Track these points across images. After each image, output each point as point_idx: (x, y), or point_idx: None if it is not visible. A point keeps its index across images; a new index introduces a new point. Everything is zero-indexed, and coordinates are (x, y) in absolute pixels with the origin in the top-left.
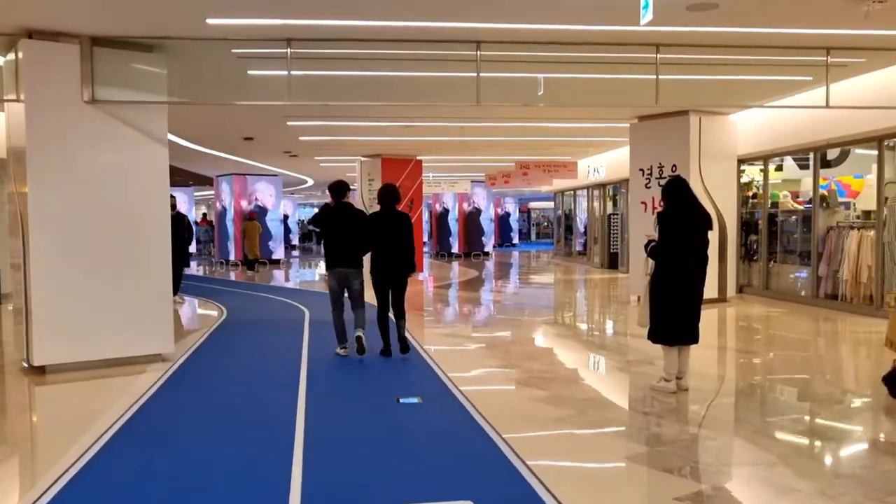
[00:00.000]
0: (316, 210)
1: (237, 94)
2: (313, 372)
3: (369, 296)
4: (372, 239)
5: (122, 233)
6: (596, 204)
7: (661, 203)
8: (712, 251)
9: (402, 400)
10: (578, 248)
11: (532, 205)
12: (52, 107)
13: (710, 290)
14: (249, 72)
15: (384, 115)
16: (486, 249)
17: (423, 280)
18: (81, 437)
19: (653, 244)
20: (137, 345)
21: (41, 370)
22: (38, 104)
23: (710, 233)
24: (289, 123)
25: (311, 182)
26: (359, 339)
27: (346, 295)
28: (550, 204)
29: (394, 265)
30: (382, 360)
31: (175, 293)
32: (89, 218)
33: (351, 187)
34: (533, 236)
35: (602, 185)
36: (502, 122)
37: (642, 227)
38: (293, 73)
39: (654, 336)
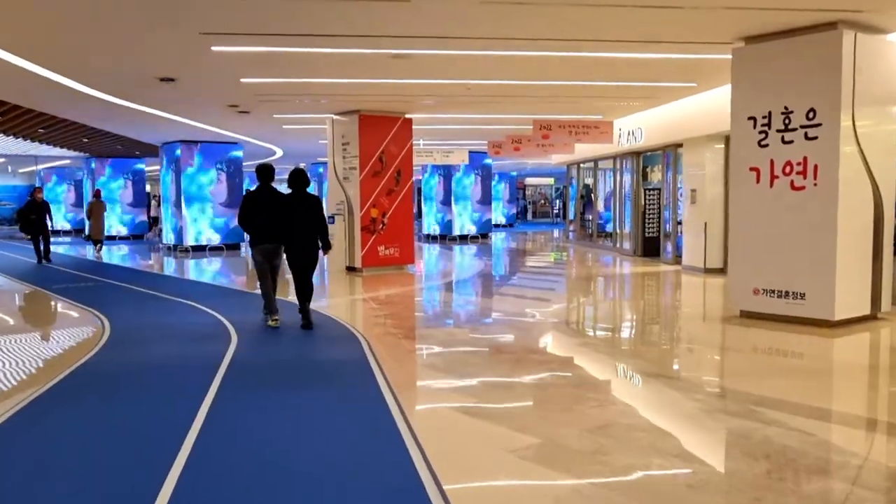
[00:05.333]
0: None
1: None
2: None
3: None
4: (285, 220)
5: None
6: (627, 177)
7: None
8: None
9: None
10: (599, 230)
11: (527, 181)
12: None
13: (859, 303)
14: None
15: (355, 30)
16: (483, 232)
17: (414, 274)
18: None
19: None
20: None
21: None
22: None
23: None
24: (214, 48)
25: (280, 153)
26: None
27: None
28: (547, 180)
29: (304, 245)
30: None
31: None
32: None
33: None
34: (529, 215)
35: (636, 154)
36: (532, 50)
37: (753, 204)
38: None
39: None
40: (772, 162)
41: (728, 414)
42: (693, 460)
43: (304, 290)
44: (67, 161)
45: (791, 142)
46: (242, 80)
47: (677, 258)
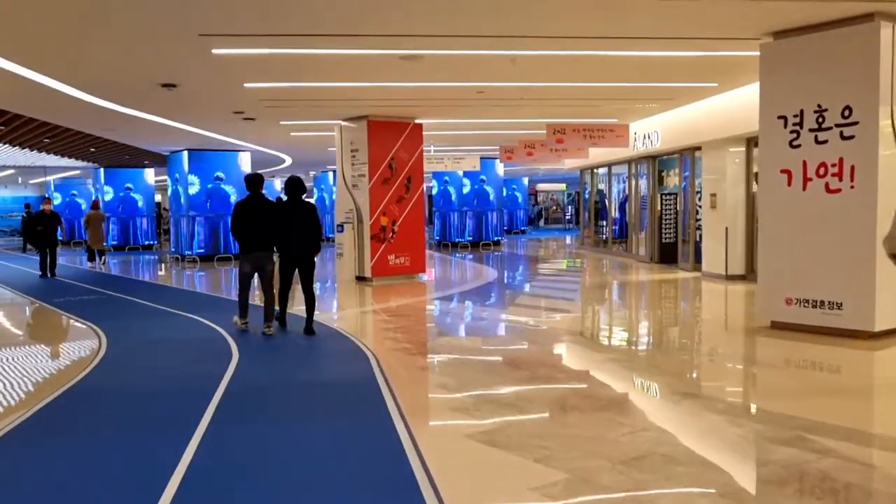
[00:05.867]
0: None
1: None
2: None
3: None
4: (281, 227)
5: None
6: (643, 182)
7: None
8: None
9: None
10: (614, 235)
11: (539, 186)
12: None
13: None
14: None
15: (355, 27)
16: (495, 238)
17: (425, 284)
18: None
19: None
20: None
21: None
22: None
23: None
24: (214, 51)
25: (289, 161)
26: (266, 332)
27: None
28: (559, 186)
29: (302, 250)
30: None
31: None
32: None
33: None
34: (541, 222)
35: (652, 157)
36: (551, 49)
37: (784, 208)
38: None
39: None
40: (804, 163)
41: (776, 442)
42: (748, 502)
43: (307, 297)
44: (77, 172)
45: (825, 142)
46: (246, 84)
47: (696, 265)
